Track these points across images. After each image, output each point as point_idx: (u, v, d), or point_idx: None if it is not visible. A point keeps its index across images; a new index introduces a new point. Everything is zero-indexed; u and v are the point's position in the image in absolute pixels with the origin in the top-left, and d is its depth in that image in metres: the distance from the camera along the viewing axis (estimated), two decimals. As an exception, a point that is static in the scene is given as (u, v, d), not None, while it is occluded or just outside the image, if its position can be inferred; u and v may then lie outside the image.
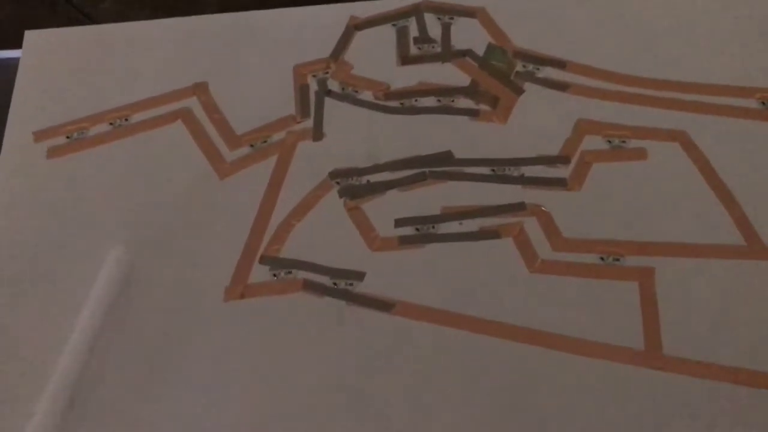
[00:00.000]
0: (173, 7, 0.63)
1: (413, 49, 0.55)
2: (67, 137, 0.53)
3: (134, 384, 0.44)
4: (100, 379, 0.45)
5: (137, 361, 0.45)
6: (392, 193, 0.50)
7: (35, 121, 0.54)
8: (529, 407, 0.43)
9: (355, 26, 0.57)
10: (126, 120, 0.54)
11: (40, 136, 0.54)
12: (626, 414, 0.42)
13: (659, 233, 0.48)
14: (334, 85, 0.54)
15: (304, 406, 0.44)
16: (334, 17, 0.57)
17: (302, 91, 0.54)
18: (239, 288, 0.47)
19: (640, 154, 0.50)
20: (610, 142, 0.51)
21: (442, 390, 0.44)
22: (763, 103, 0.52)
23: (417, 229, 0.49)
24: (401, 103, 0.53)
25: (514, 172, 0.50)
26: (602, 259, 0.47)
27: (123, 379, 0.45)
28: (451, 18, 0.56)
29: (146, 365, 0.45)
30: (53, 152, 0.53)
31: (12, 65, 0.57)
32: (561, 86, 0.53)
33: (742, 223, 0.48)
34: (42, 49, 0.58)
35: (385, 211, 0.49)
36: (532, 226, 0.48)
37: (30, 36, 0.58)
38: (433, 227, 0.49)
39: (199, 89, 0.55)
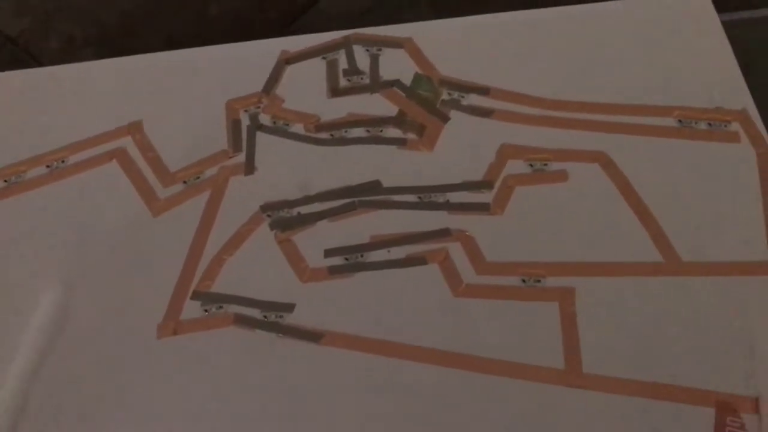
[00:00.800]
0: (119, 46, 0.64)
1: (343, 81, 0.57)
2: (5, 181, 0.54)
3: (68, 424, 0.45)
4: (34, 418, 0.45)
5: (71, 401, 0.46)
6: (323, 224, 0.51)
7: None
8: (455, 430, 0.44)
9: (286, 60, 0.58)
10: (63, 162, 0.55)
11: (-22, 180, 0.55)
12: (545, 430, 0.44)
13: (580, 254, 0.49)
14: (265, 119, 0.56)
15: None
16: (265, 52, 0.59)
17: (234, 126, 0.55)
18: (171, 324, 0.48)
19: (561, 176, 0.52)
20: (532, 165, 0.53)
21: (370, 416, 0.45)
22: (681, 122, 0.54)
23: (346, 259, 0.50)
24: (331, 135, 0.55)
25: (440, 198, 0.52)
26: (524, 281, 0.48)
27: (56, 419, 0.45)
28: (379, 49, 0.58)
29: (79, 405, 0.46)
30: (-9, 196, 0.54)
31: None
32: (485, 112, 0.55)
33: (660, 240, 0.49)
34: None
35: (315, 241, 0.51)
36: (457, 251, 0.50)
37: (-30, 80, 0.60)
38: (362, 256, 0.50)
39: (134, 128, 0.56)
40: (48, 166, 0.55)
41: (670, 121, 0.54)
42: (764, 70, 0.59)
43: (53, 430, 0.45)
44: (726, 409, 0.44)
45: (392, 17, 0.59)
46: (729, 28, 0.57)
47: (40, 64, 0.62)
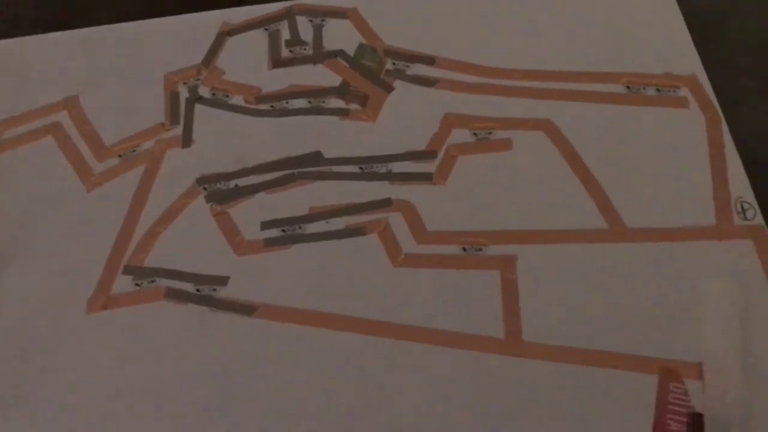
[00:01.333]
0: (65, 23, 0.62)
1: (285, 53, 0.56)
2: (-62, 157, 0.53)
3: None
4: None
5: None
6: (261, 196, 0.50)
7: None
8: (394, 399, 0.43)
9: (227, 32, 0.57)
10: (-4, 137, 0.53)
11: None
12: (489, 401, 0.42)
13: (523, 222, 0.48)
14: (205, 92, 0.54)
15: (168, 412, 0.43)
16: (207, 25, 0.57)
17: (172, 98, 0.54)
18: (101, 299, 0.46)
19: (505, 144, 0.51)
20: (476, 134, 0.51)
21: (307, 387, 0.43)
22: (629, 88, 0.52)
23: (284, 231, 0.48)
24: (272, 106, 0.53)
25: (382, 168, 0.50)
26: (465, 249, 0.47)
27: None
28: (323, 20, 0.57)
29: (8, 378, 0.44)
30: None
31: None
32: (430, 82, 0.54)
33: (605, 206, 0.48)
34: None
35: (252, 214, 0.49)
36: (398, 222, 0.48)
37: None
38: (300, 228, 0.48)
39: (70, 103, 0.54)
40: (-20, 142, 0.53)
41: (618, 88, 0.53)
42: (718, 40, 0.57)
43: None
44: (669, 375, 0.43)
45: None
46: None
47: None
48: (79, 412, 0.43)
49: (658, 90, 0.52)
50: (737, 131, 0.50)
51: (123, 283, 0.47)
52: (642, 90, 0.52)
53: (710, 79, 0.53)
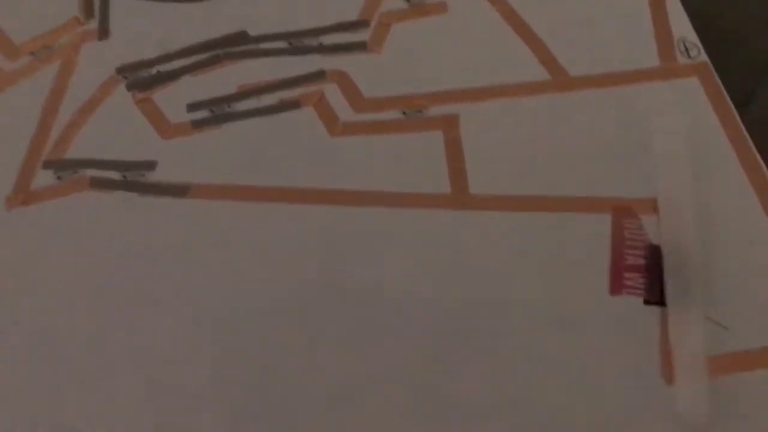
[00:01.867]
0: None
1: (202, -63, 0.52)
2: None
3: None
4: None
5: None
6: (186, 80, 0.47)
7: None
8: (345, 266, 0.40)
9: None
10: None
11: None
12: (440, 256, 0.40)
13: (464, 82, 0.46)
14: (119, -18, 0.51)
15: (101, 302, 0.40)
16: None
17: (84, -9, 0.50)
18: (21, 195, 0.43)
19: (440, 8, 0.48)
20: (409, 0, 0.49)
21: (247, 261, 0.41)
22: (562, -56, 0.50)
23: (212, 111, 0.46)
24: (191, -10, 0.50)
25: (313, 41, 0.48)
26: (405, 113, 0.45)
27: None
28: None
29: None
30: None
31: None
32: (357, -47, 0.51)
33: (546, 58, 0.46)
34: None
35: (178, 98, 0.46)
36: (334, 93, 0.46)
37: None
38: (229, 107, 0.46)
39: (-26, 5, 0.51)
40: None
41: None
42: None
43: None
44: (623, 212, 0.41)
45: None
46: None
47: None
48: (9, 309, 0.40)
49: (593, -58, 0.50)
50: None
51: (44, 178, 0.44)
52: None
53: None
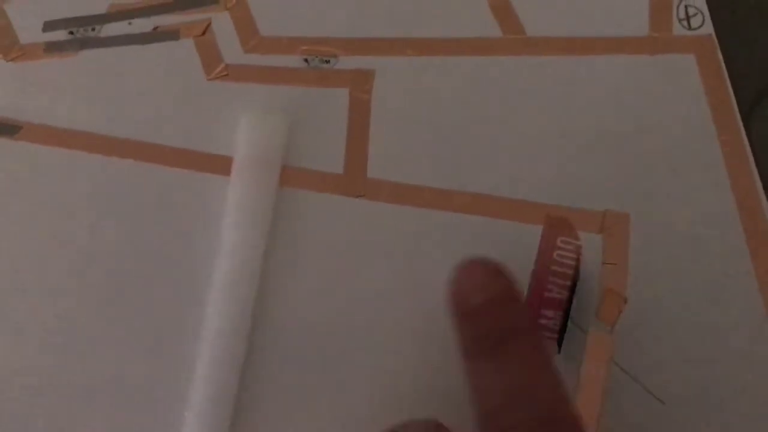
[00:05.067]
0: None
1: None
2: None
3: None
4: None
5: None
6: (49, -9, 0.38)
7: None
8: (203, 248, 0.32)
9: None
10: None
11: None
12: (331, 248, 0.31)
13: (389, 29, 0.35)
14: None
15: None
16: None
17: None
18: None
19: (380, -72, 0.38)
20: None
21: (88, 231, 0.32)
22: None
23: (72, 33, 0.36)
24: None
25: (211, -43, 0.38)
26: (307, 61, 0.35)
27: None
28: None
29: None
30: None
31: None
32: None
33: (500, 9, 0.35)
34: None
35: (36, 13, 0.37)
36: (223, 24, 0.36)
37: None
38: (94, 30, 0.36)
39: None
40: None
41: None
42: None
43: None
44: (558, 225, 0.31)
45: None
46: None
47: None
48: None
49: None
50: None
51: None
52: None
53: None
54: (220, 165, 0.33)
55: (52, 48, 0.36)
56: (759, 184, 0.31)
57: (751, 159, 0.32)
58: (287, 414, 0.29)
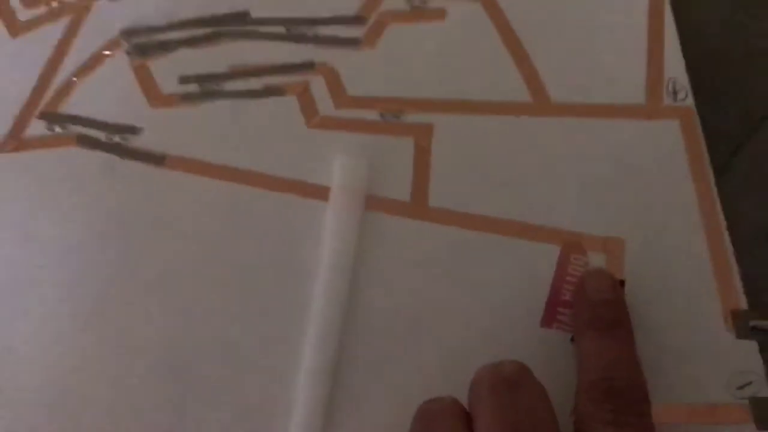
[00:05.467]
0: None
1: None
2: None
3: None
4: None
5: None
6: (183, 52, 0.49)
7: None
8: (298, 254, 0.42)
9: None
10: (-73, -18, 0.52)
11: None
12: (402, 258, 0.42)
13: (447, 92, 0.46)
14: (138, -52, 0.53)
15: (70, 257, 0.43)
16: None
17: (104, -49, 0.52)
18: (13, 141, 0.46)
19: (439, 14, 0.49)
20: (409, 2, 0.49)
21: (215, 243, 0.43)
22: (575, -35, 0.50)
23: (201, 86, 0.47)
24: (204, -36, 0.51)
25: (308, 31, 0.49)
26: (382, 115, 0.46)
27: None
28: None
29: None
30: None
31: None
32: (370, -52, 0.51)
33: (532, 80, 0.46)
34: None
35: (172, 69, 0.48)
36: (319, 85, 0.47)
37: None
38: (218, 85, 0.47)
39: (2, -49, 0.53)
40: None
41: (563, -36, 0.50)
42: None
43: None
44: (572, 246, 0.42)
45: None
46: None
47: None
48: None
49: (606, -33, 0.49)
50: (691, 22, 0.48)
51: (37, 128, 0.47)
52: (588, -33, 0.49)
53: None
54: (319, 192, 0.44)
55: (187, 98, 0.47)
56: (723, 224, 0.42)
57: (718, 203, 0.42)
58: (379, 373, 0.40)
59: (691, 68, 0.46)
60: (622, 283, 0.39)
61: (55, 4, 0.51)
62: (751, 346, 0.39)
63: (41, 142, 0.46)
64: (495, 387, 0.32)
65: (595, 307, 0.37)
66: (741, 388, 0.38)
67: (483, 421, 0.31)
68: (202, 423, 0.39)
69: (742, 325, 0.39)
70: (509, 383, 0.32)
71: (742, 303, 0.40)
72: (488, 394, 0.32)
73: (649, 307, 0.40)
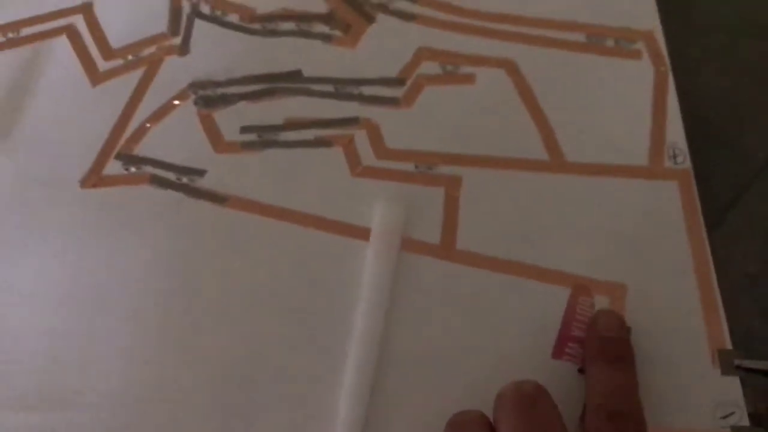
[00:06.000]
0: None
1: (281, -21, 0.61)
2: (-36, 46, 0.59)
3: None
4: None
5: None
6: (243, 105, 0.56)
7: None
8: (348, 291, 0.49)
9: (231, -44, 0.62)
10: (17, 33, 0.60)
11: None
12: (431, 294, 0.48)
13: (475, 148, 0.53)
14: (205, 8, 0.60)
15: (137, 285, 0.50)
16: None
17: (175, 12, 0.59)
18: (94, 178, 0.53)
19: (469, 79, 0.56)
20: (444, 68, 0.56)
21: (268, 275, 0.49)
22: (589, 38, 0.57)
23: (259, 136, 0.54)
24: (262, 26, 0.59)
25: (354, 90, 0.56)
26: (417, 167, 0.52)
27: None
28: (319, -48, 0.61)
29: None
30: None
31: None
32: (409, 17, 0.58)
33: (549, 141, 0.53)
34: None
35: (234, 119, 0.55)
36: (362, 138, 0.54)
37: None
38: (274, 135, 0.54)
39: (85, 9, 0.60)
40: (3, 36, 0.59)
41: (579, 37, 0.57)
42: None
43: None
44: (581, 289, 0.48)
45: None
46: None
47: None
48: (59, 271, 0.50)
49: (616, 42, 0.56)
50: (692, 92, 0.55)
51: (114, 168, 0.54)
52: (601, 41, 0.56)
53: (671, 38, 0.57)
54: (361, 233, 0.50)
55: (246, 146, 0.54)
56: (713, 273, 0.48)
57: (709, 254, 0.48)
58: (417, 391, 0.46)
59: (688, 134, 0.53)
60: (628, 329, 0.46)
61: (131, 57, 0.58)
62: (734, 381, 0.45)
63: (118, 180, 0.53)
64: (516, 402, 0.39)
65: (604, 341, 0.43)
66: (725, 417, 0.44)
67: (506, 431, 0.37)
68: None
69: (726, 362, 0.45)
70: (529, 399, 0.39)
71: (728, 343, 0.46)
72: (511, 408, 0.38)
73: (646, 344, 0.46)
